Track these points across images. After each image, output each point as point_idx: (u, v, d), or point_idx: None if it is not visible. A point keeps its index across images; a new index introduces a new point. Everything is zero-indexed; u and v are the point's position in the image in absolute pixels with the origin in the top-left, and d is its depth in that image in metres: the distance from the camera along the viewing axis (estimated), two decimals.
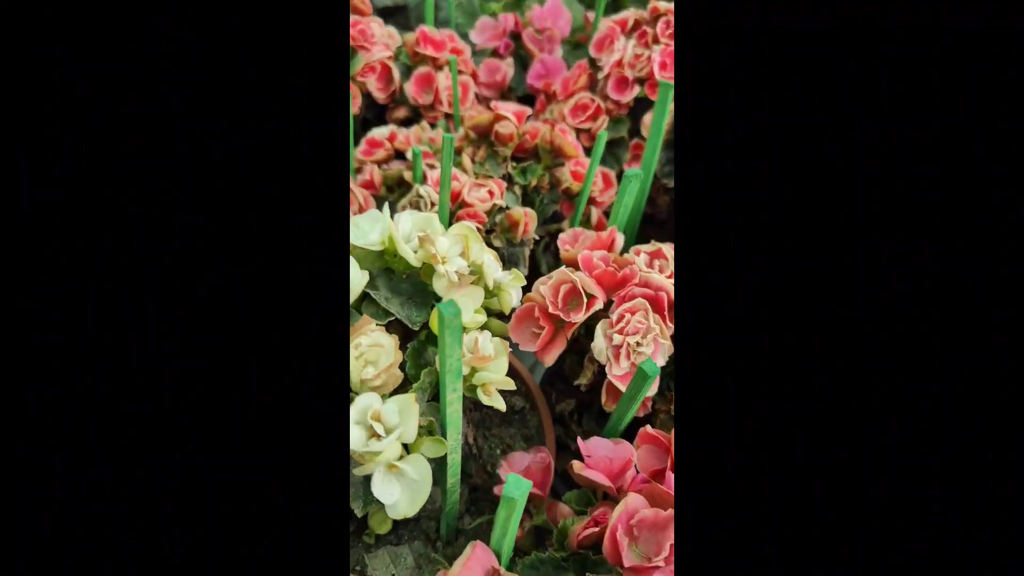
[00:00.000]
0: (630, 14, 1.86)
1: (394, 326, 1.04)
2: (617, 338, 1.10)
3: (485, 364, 1.03)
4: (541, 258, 1.63)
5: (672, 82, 1.33)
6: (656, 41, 1.78)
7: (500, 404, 1.05)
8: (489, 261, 1.13)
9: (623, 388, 1.09)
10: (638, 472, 1.02)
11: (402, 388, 1.00)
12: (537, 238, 1.58)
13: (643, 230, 1.60)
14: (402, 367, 0.99)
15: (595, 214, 1.64)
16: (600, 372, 1.18)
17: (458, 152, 1.61)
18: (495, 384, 1.05)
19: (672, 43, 1.77)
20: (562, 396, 1.35)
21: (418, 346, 1.06)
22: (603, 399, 1.16)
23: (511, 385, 1.06)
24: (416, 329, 1.06)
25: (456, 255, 1.08)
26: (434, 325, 1.04)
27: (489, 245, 1.43)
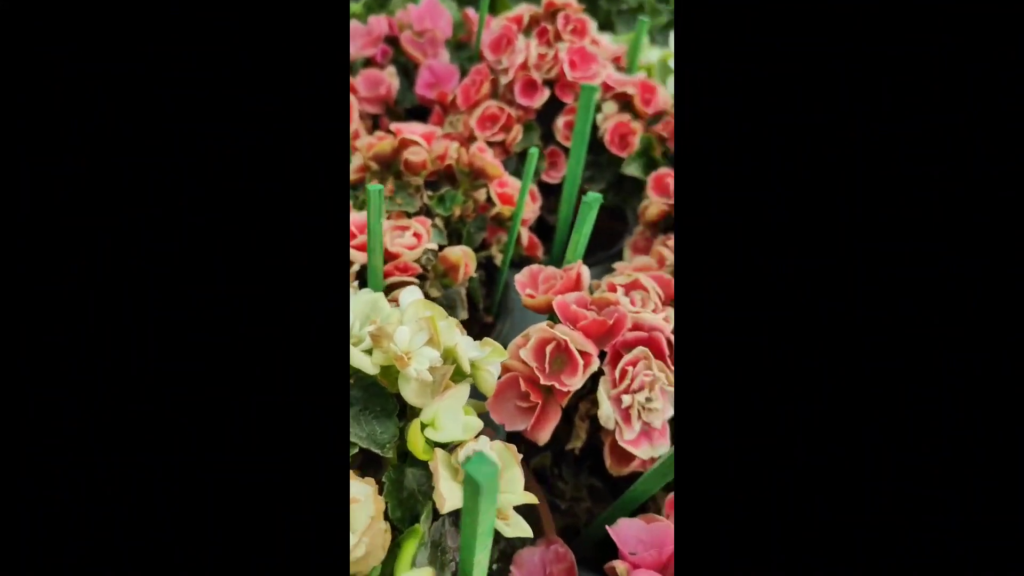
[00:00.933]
0: (524, 10, 1.73)
1: (355, 457, 0.87)
2: (626, 399, 0.96)
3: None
4: (477, 294, 1.43)
5: (593, 84, 1.24)
6: (559, 38, 1.66)
7: (525, 528, 0.86)
8: (462, 341, 0.96)
9: (635, 452, 0.97)
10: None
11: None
12: (474, 275, 1.38)
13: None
14: (386, 515, 0.82)
15: (524, 234, 1.47)
16: (593, 428, 1.05)
17: (355, 186, 1.43)
18: (514, 504, 0.87)
19: (577, 40, 1.65)
20: (531, 449, 1.14)
21: (394, 476, 0.87)
22: (608, 463, 1.01)
23: (534, 499, 0.89)
24: (386, 455, 0.87)
25: (422, 345, 0.90)
26: (414, 446, 0.85)
27: (427, 296, 1.18)
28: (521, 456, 0.91)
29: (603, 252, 1.62)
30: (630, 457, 0.99)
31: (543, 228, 1.58)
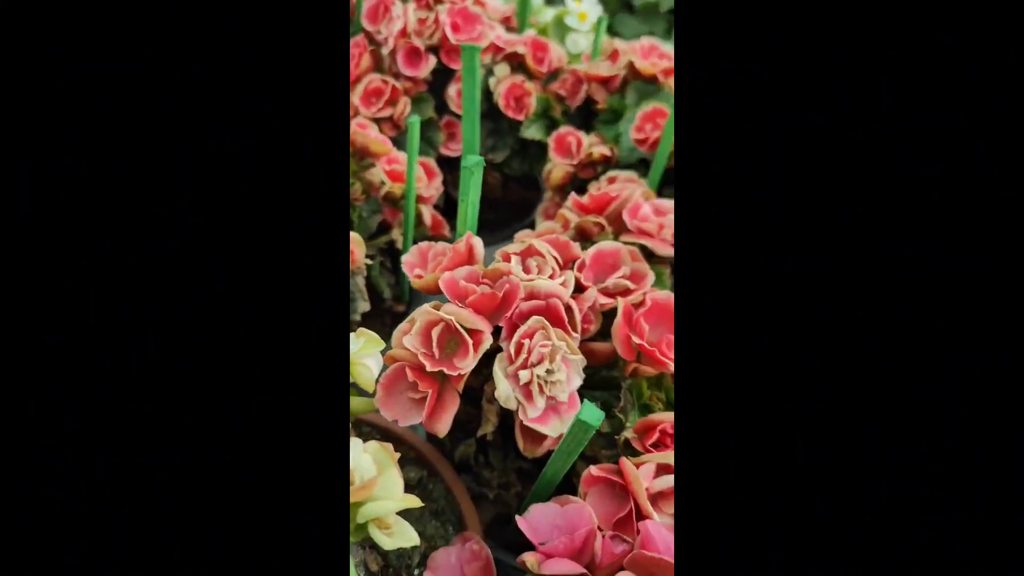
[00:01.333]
0: None
1: None
2: (524, 375, 0.88)
3: (370, 491, 0.76)
4: (380, 282, 1.36)
5: (477, 44, 1.19)
6: (439, 1, 1.53)
7: (411, 537, 0.78)
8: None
9: (543, 430, 0.90)
10: (603, 533, 0.82)
11: None
12: (369, 260, 1.29)
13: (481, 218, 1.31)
14: None
15: (427, 213, 1.38)
16: (504, 410, 0.95)
17: None
18: (393, 510, 0.78)
19: (459, 1, 1.53)
20: (455, 438, 1.10)
21: None
22: (521, 445, 0.94)
23: (416, 502, 0.79)
24: None
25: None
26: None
27: None
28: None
29: (518, 223, 1.53)
30: (541, 436, 0.93)
31: (451, 205, 1.49)
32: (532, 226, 1.45)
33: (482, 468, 1.07)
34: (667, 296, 0.95)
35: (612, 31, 1.98)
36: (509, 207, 1.50)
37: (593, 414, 0.78)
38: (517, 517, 0.85)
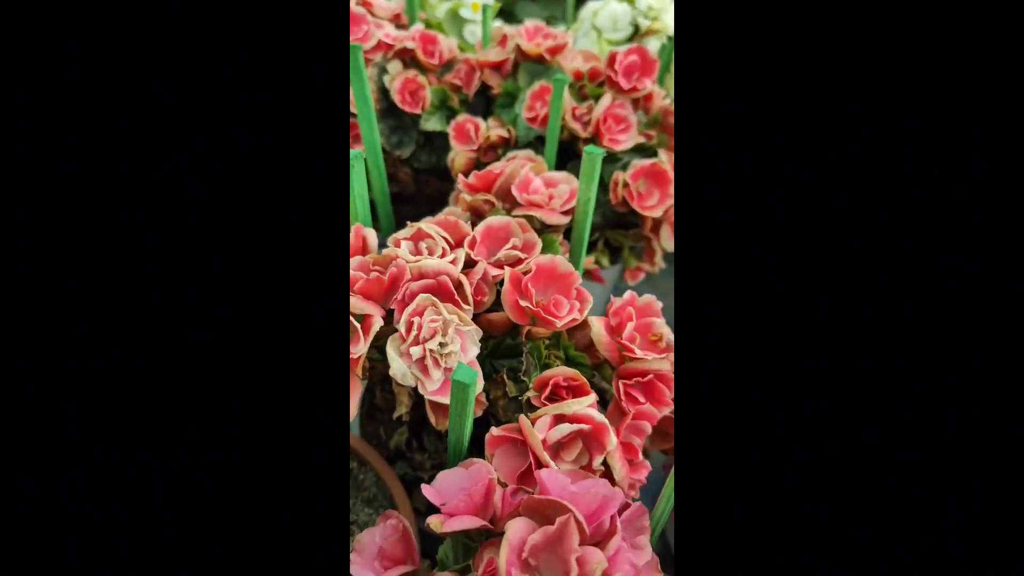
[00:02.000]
0: None
1: None
2: (416, 351, 0.90)
3: None
4: None
5: (362, 43, 1.20)
6: None
7: None
8: None
9: (445, 400, 0.90)
10: (505, 486, 0.85)
11: None
12: None
13: (397, 211, 1.35)
14: None
15: None
16: (416, 391, 0.96)
17: None
18: None
19: None
20: (390, 428, 1.14)
21: None
22: (433, 420, 0.96)
23: None
24: None
25: None
26: None
27: None
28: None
29: (436, 215, 1.53)
30: (447, 406, 0.93)
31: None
32: None
33: (415, 452, 1.10)
34: (550, 259, 0.96)
35: (513, 19, 1.95)
36: (426, 200, 1.51)
37: (466, 373, 0.78)
38: (423, 486, 0.86)
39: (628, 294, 0.99)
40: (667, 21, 1.67)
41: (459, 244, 1.01)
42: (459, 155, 1.34)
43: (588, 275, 1.26)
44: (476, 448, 0.90)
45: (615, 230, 1.32)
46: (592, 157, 0.95)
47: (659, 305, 1.00)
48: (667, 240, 1.28)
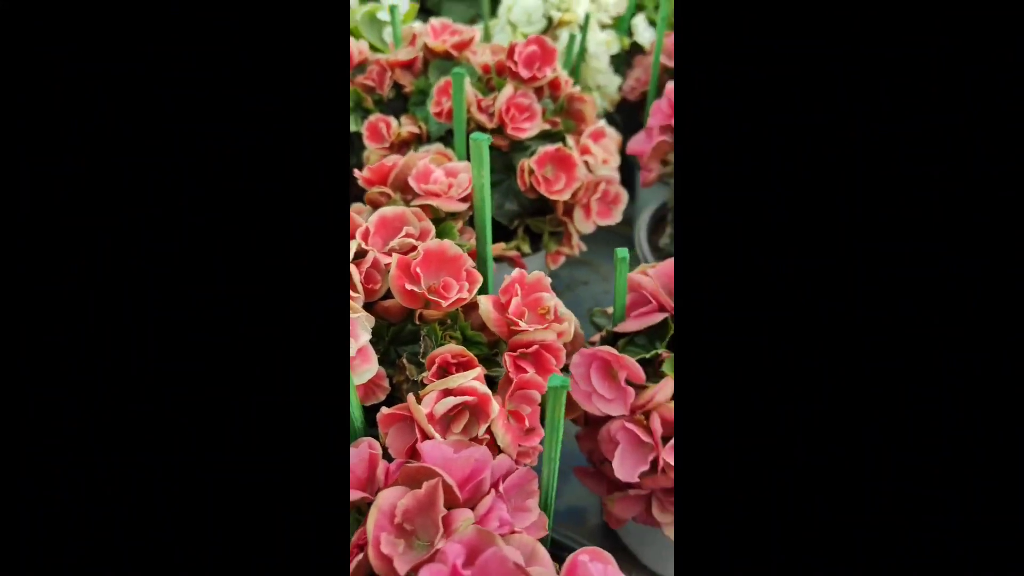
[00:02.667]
0: None
1: None
2: None
3: None
4: None
5: None
6: None
7: None
8: None
9: None
10: (391, 461, 0.86)
11: None
12: None
13: None
14: None
15: None
16: None
17: None
18: None
19: None
20: None
21: None
22: None
23: None
24: None
25: None
26: None
27: None
28: None
29: None
30: None
31: None
32: None
33: None
34: (439, 243, 0.99)
35: (439, 18, 1.91)
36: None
37: None
38: None
39: (516, 272, 0.99)
40: (578, 12, 1.73)
41: (352, 236, 1.03)
42: (372, 153, 1.37)
43: (511, 262, 1.28)
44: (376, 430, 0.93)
45: (534, 217, 1.35)
46: (478, 143, 0.96)
47: (547, 281, 1.01)
48: (581, 222, 1.31)
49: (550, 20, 1.78)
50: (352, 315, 0.91)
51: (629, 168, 1.65)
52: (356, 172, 1.19)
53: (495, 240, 1.17)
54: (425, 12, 2.14)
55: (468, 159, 1.20)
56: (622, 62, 1.84)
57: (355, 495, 0.81)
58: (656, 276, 1.03)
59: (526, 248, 1.35)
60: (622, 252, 0.99)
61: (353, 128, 1.45)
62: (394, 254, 1.00)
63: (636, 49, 1.85)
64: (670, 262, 1.05)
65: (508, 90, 1.30)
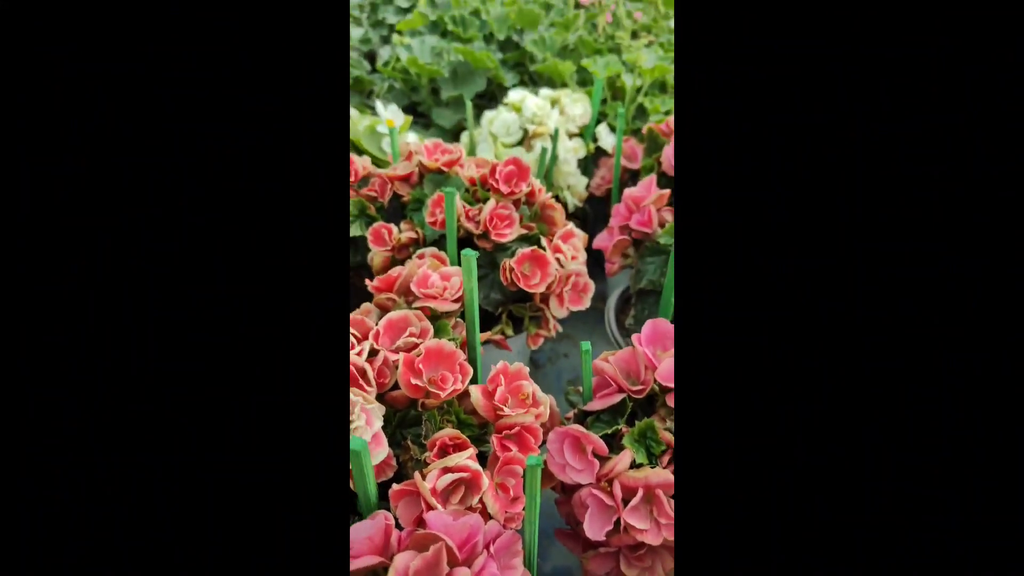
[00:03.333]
0: None
1: None
2: None
3: None
4: None
5: None
6: None
7: None
8: None
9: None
10: (401, 529, 0.98)
11: None
12: None
13: None
14: None
15: None
16: None
17: None
18: None
19: None
20: None
21: None
22: (351, 485, 1.08)
23: None
24: None
25: None
26: None
27: None
28: None
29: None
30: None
31: None
32: None
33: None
34: (437, 343, 1.19)
35: (429, 124, 2.36)
36: (355, 292, 1.71)
37: (358, 442, 0.91)
38: None
39: (500, 363, 1.18)
40: (549, 124, 1.96)
41: (365, 337, 1.23)
42: (377, 255, 1.60)
43: (497, 344, 1.49)
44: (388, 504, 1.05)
45: (516, 304, 1.56)
46: (468, 258, 1.15)
47: (526, 370, 1.19)
48: (556, 309, 1.53)
49: (526, 132, 2.00)
50: (367, 405, 1.08)
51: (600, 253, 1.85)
52: (368, 281, 1.39)
53: (483, 323, 1.39)
54: (416, 114, 2.44)
55: (459, 263, 1.37)
56: (589, 163, 2.10)
57: (373, 560, 0.91)
58: (615, 362, 1.21)
59: (509, 331, 1.55)
60: (585, 345, 1.18)
61: (359, 233, 1.65)
62: (401, 353, 1.17)
63: (600, 152, 2.10)
64: (629, 350, 1.21)
65: (491, 203, 1.52)
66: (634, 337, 1.19)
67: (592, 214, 2.15)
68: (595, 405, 1.19)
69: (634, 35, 2.72)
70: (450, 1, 2.90)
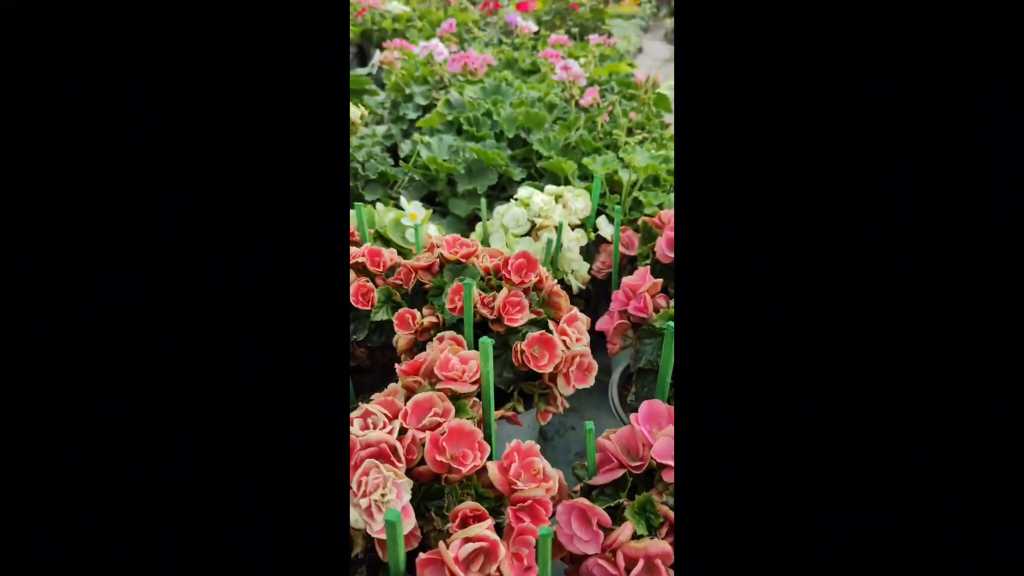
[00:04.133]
0: None
1: None
2: (364, 501, 1.14)
3: None
4: None
5: None
6: None
7: None
8: None
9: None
10: None
11: None
12: None
13: (357, 380, 1.80)
14: None
15: None
16: (367, 534, 1.20)
17: None
18: None
19: None
20: (353, 567, 1.30)
21: None
22: (380, 554, 1.18)
23: None
24: None
25: None
26: None
27: None
28: None
29: (385, 383, 1.83)
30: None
31: None
32: None
33: None
34: (459, 422, 1.29)
35: (446, 212, 2.63)
36: (380, 369, 1.90)
37: (392, 514, 0.98)
38: None
39: (514, 441, 1.27)
40: (554, 218, 2.19)
41: (395, 417, 1.33)
42: (401, 338, 1.74)
43: (509, 420, 1.60)
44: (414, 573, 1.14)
45: (526, 382, 1.67)
46: (485, 345, 1.25)
47: (536, 447, 1.28)
48: (563, 387, 1.64)
49: (533, 223, 2.22)
50: (398, 480, 1.17)
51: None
52: (396, 366, 1.52)
53: (496, 399, 1.44)
54: (434, 204, 2.69)
55: (475, 347, 1.58)
56: (591, 249, 2.29)
57: None
58: (616, 440, 1.29)
59: (520, 408, 1.66)
60: (589, 424, 1.24)
61: (386, 317, 1.82)
62: (427, 431, 1.28)
63: (601, 240, 2.27)
64: (628, 428, 1.29)
65: (504, 292, 1.68)
66: (632, 417, 1.27)
67: (595, 294, 2.32)
68: (599, 480, 1.26)
69: (629, 132, 2.91)
70: (465, 103, 3.09)
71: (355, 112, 3.05)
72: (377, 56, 4.58)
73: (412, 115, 3.36)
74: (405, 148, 3.11)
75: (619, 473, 1.25)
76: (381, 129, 3.27)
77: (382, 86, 3.98)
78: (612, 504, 1.21)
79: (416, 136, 2.88)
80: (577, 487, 1.34)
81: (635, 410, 1.30)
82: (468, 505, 1.19)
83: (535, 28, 4.98)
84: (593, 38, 4.48)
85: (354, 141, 2.94)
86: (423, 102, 3.44)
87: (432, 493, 1.27)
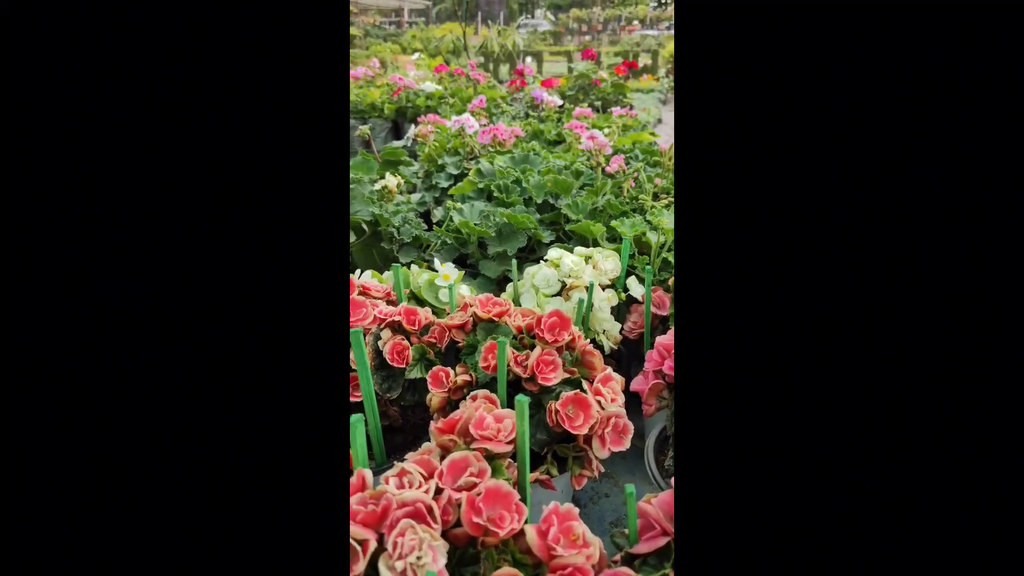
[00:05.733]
0: None
1: None
2: (399, 564, 1.09)
3: None
4: None
5: (364, 321, 1.59)
6: None
7: None
8: None
9: None
10: None
11: None
12: None
13: (390, 440, 1.77)
14: None
15: None
16: None
17: None
18: None
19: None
20: None
21: None
22: None
23: None
24: None
25: None
26: None
27: None
28: None
29: (419, 442, 1.85)
30: None
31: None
32: None
33: None
34: (496, 483, 1.23)
35: (477, 274, 2.68)
36: (412, 429, 1.87)
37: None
38: None
39: (552, 504, 1.20)
40: (584, 278, 2.20)
41: (431, 476, 1.27)
42: (435, 396, 1.70)
43: (543, 484, 1.56)
44: None
45: (560, 444, 1.62)
46: (521, 404, 1.23)
47: (576, 511, 1.19)
48: (598, 450, 1.58)
49: (563, 283, 2.23)
50: (433, 543, 1.12)
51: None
52: (432, 424, 1.47)
53: (530, 462, 1.40)
54: (466, 266, 2.74)
55: (509, 405, 1.55)
56: (622, 309, 2.27)
57: None
58: (658, 505, 1.19)
59: (554, 471, 1.60)
60: (630, 488, 1.17)
61: (420, 375, 1.80)
62: (463, 492, 1.23)
63: (631, 300, 2.28)
64: (670, 492, 1.19)
65: (537, 351, 1.64)
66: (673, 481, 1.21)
67: (627, 355, 2.31)
68: (642, 548, 1.17)
69: (655, 196, 2.93)
70: (495, 171, 3.16)
71: (391, 181, 3.16)
72: (412, 130, 4.67)
73: (444, 183, 3.45)
74: (438, 214, 3.20)
75: (663, 541, 1.14)
76: (415, 196, 3.39)
77: (415, 157, 4.10)
78: (656, 575, 1.11)
79: (449, 203, 2.94)
80: (617, 556, 1.25)
81: (673, 475, 1.25)
82: (506, 571, 1.13)
83: (560, 102, 5.06)
84: (615, 110, 4.53)
85: (389, 208, 3.00)
86: (454, 171, 3.52)
87: (467, 558, 1.21)
